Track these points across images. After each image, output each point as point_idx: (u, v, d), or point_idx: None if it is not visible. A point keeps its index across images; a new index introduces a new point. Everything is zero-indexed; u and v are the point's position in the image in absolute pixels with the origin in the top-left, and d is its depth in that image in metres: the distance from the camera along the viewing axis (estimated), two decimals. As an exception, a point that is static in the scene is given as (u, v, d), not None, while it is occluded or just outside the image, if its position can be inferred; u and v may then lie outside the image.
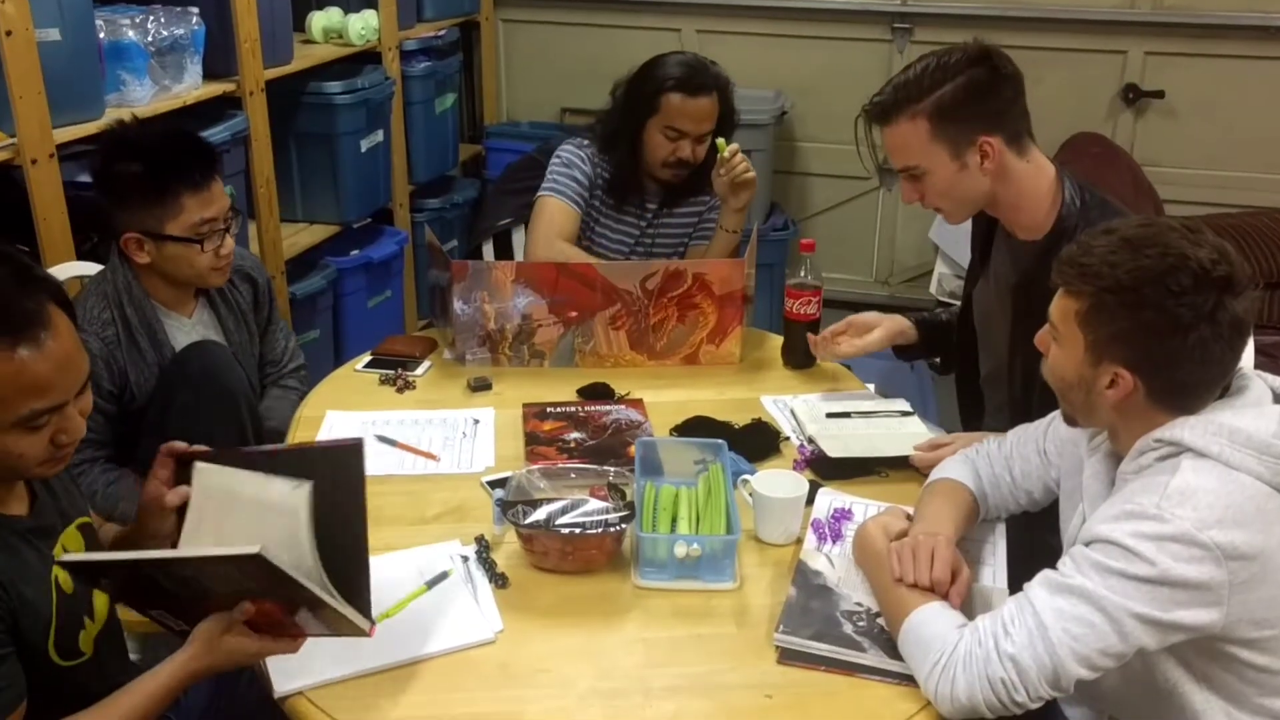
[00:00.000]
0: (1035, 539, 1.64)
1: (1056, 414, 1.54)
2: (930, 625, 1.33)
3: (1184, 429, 1.29)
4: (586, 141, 2.49)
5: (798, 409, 2.02)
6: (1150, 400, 1.32)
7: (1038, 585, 1.30)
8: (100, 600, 1.39)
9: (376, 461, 1.83)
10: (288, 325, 2.27)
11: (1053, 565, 1.33)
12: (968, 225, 2.06)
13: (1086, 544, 1.29)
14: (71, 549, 1.36)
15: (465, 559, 1.59)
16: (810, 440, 1.89)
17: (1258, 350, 2.28)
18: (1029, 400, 1.82)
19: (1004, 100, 1.75)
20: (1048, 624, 1.25)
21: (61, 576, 1.33)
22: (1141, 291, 1.26)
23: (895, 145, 1.81)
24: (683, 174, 2.43)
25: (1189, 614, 1.24)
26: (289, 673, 1.35)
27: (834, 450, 1.83)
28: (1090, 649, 1.24)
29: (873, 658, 1.38)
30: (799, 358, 2.22)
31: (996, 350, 1.97)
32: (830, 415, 1.97)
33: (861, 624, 1.44)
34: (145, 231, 1.84)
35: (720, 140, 2.35)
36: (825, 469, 1.82)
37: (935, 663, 1.29)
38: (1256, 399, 1.33)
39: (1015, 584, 1.52)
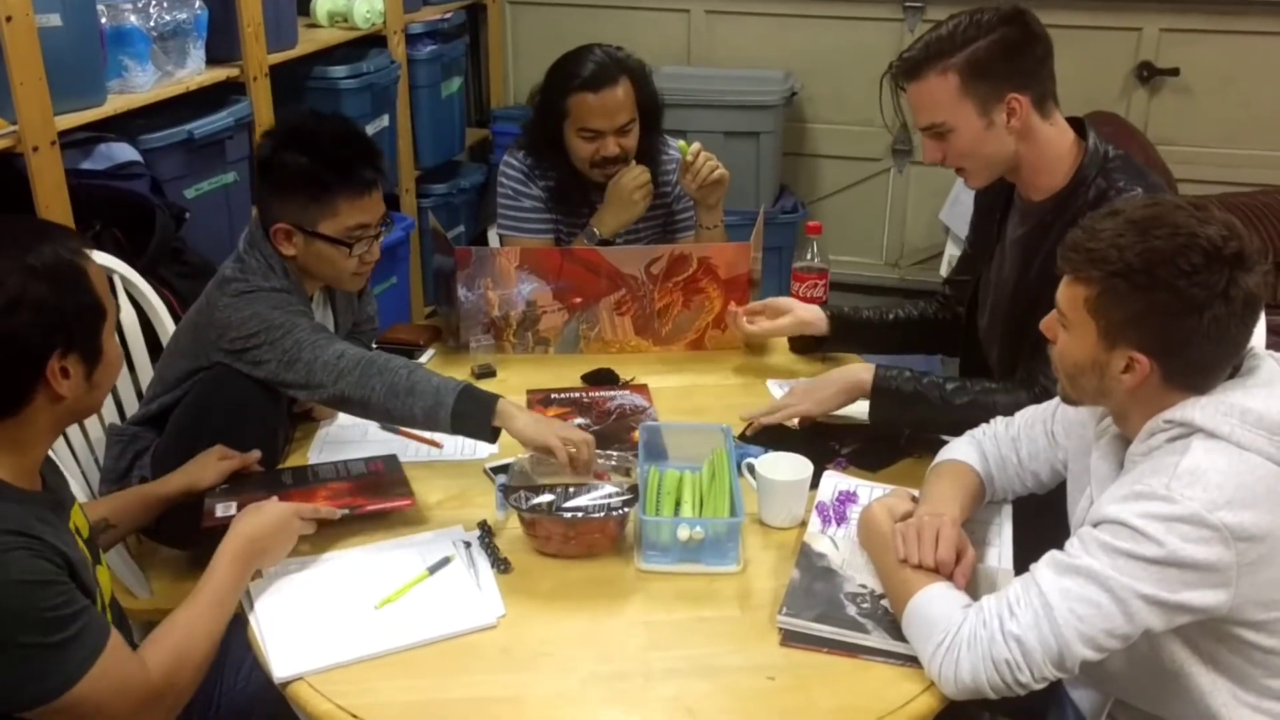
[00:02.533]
0: (1042, 521, 1.63)
1: (1074, 413, 1.53)
2: (934, 606, 1.32)
3: (1194, 409, 1.27)
4: (520, 152, 2.38)
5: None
6: (1165, 382, 1.30)
7: (1044, 566, 1.29)
8: (103, 576, 1.42)
9: (380, 449, 1.82)
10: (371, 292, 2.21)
11: (1060, 545, 1.32)
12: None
13: (1094, 525, 1.27)
14: (79, 524, 1.40)
15: (467, 545, 1.58)
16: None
17: (1269, 330, 2.25)
18: (1012, 361, 1.82)
19: (1035, 59, 1.74)
20: (1053, 604, 1.24)
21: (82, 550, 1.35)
22: (1153, 273, 1.24)
23: (923, 101, 1.78)
24: (617, 171, 2.31)
25: (1196, 595, 1.22)
26: (288, 658, 1.36)
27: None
28: (1096, 629, 1.23)
29: (876, 639, 1.37)
30: (805, 342, 2.21)
31: (996, 316, 1.94)
32: None
33: (865, 606, 1.43)
34: (298, 225, 1.80)
35: (681, 143, 2.29)
36: (864, 460, 1.80)
37: (939, 643, 1.28)
38: (1268, 379, 1.31)
39: (1021, 565, 1.51)
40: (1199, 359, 1.28)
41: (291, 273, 1.83)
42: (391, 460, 1.77)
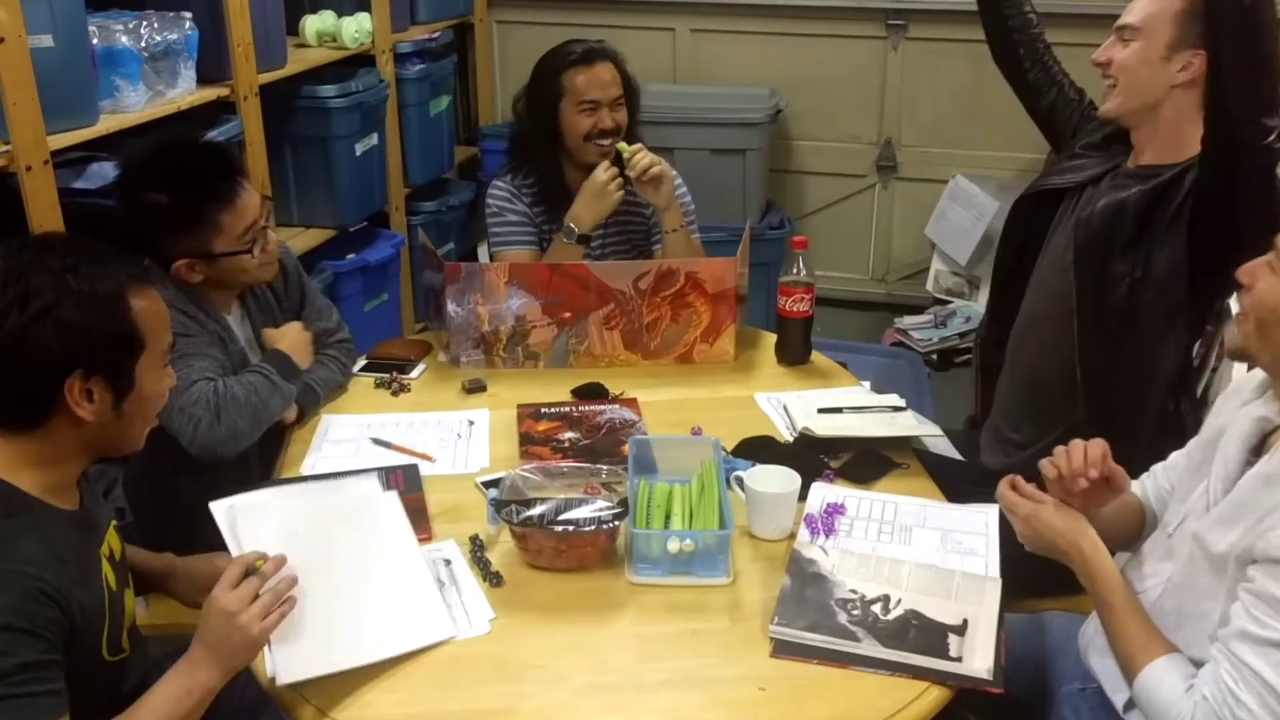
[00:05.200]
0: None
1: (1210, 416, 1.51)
2: (1160, 690, 1.30)
3: None
4: (507, 175, 2.46)
5: (791, 405, 2.03)
6: None
7: (1245, 647, 1.24)
8: (129, 600, 1.43)
9: (373, 463, 1.83)
10: (327, 301, 2.24)
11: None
12: (963, 221, 2.08)
13: (1265, 561, 1.22)
14: (114, 545, 1.41)
15: (448, 562, 1.59)
16: (806, 430, 1.90)
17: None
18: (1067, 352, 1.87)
19: None
20: (1272, 682, 1.21)
21: (109, 575, 1.36)
22: None
23: (1144, 3, 1.89)
24: (612, 147, 2.38)
25: None
26: (281, 664, 1.35)
27: (822, 431, 1.86)
28: None
29: (866, 647, 1.39)
30: (793, 355, 2.23)
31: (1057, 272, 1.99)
32: (822, 410, 1.98)
33: (855, 613, 1.45)
34: (196, 255, 1.83)
35: (621, 144, 2.35)
36: (854, 472, 1.81)
37: None
38: None
39: (1017, 570, 1.53)
40: None
41: (197, 299, 1.88)
42: (412, 473, 1.79)
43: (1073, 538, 1.44)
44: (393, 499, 1.56)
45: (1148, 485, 1.62)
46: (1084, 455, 1.44)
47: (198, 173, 1.84)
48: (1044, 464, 1.49)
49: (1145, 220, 1.88)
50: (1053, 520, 1.46)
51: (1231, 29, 1.73)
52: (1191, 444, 1.54)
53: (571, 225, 2.35)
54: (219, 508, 1.40)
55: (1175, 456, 1.60)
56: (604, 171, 2.33)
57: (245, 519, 1.41)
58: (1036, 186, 2.15)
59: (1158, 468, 1.63)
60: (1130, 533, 1.58)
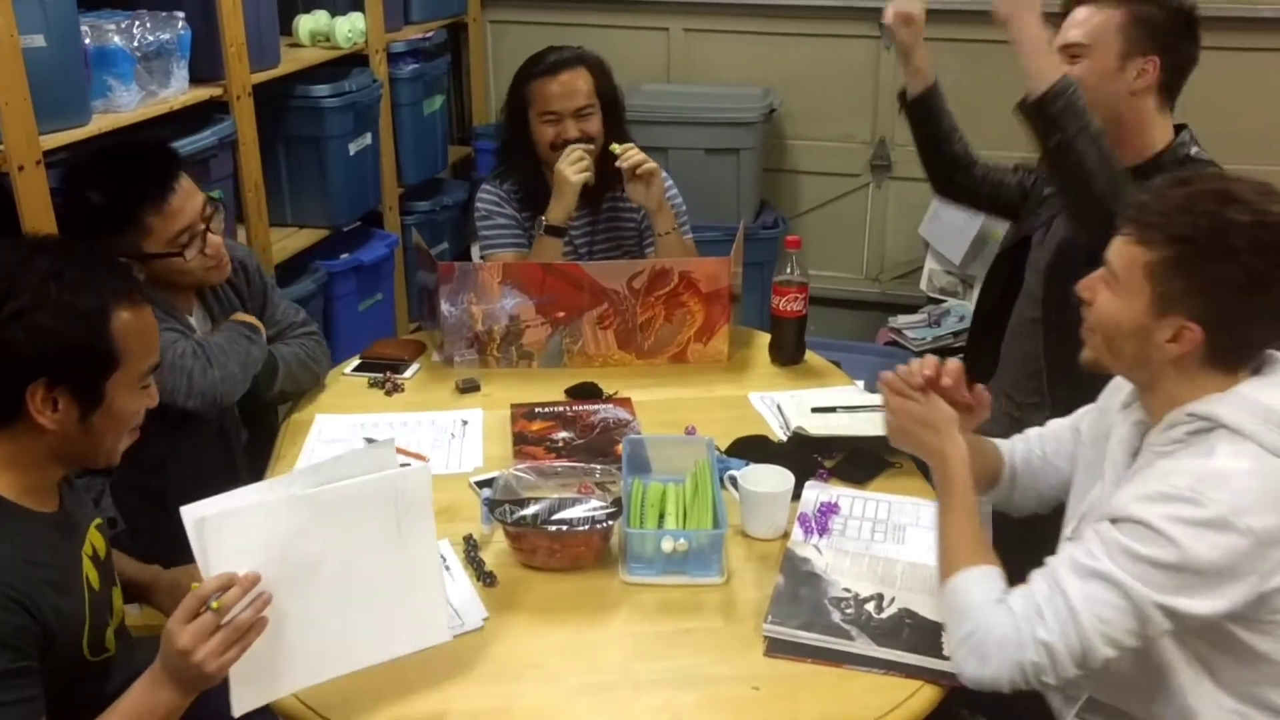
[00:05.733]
0: (1025, 525, 1.66)
1: (1101, 400, 1.54)
2: (971, 594, 1.31)
3: (1220, 404, 1.27)
4: (495, 179, 2.48)
5: (784, 404, 2.03)
6: (1208, 357, 1.29)
7: (1066, 568, 1.28)
8: (117, 598, 1.42)
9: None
10: (293, 303, 2.24)
11: (1046, 551, 1.33)
12: (956, 220, 2.10)
13: (1113, 520, 1.27)
14: (96, 545, 1.40)
15: (443, 561, 1.57)
16: (796, 430, 1.90)
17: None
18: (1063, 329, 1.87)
19: (1183, 56, 1.92)
20: (1079, 609, 1.24)
21: (91, 575, 1.35)
22: (1227, 244, 1.24)
23: (1082, 19, 1.93)
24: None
25: (1212, 601, 1.23)
26: (250, 683, 1.27)
27: (815, 430, 1.87)
28: (1118, 631, 1.24)
29: (860, 645, 1.40)
30: (787, 354, 2.23)
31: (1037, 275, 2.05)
32: (816, 410, 1.98)
33: (849, 611, 1.45)
34: (128, 255, 1.83)
35: (614, 145, 2.35)
36: (847, 472, 1.82)
37: (969, 634, 1.28)
38: None
39: (1010, 573, 1.53)
40: (1252, 337, 1.29)
41: (154, 298, 1.85)
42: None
43: (932, 439, 1.45)
44: (421, 474, 1.36)
45: (1017, 446, 1.65)
46: (921, 365, 1.46)
47: (131, 175, 1.85)
48: (883, 375, 1.51)
49: None
50: (923, 415, 1.45)
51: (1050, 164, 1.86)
52: (1084, 427, 1.57)
53: (542, 219, 2.35)
54: (190, 517, 1.22)
55: (1056, 426, 1.64)
56: (565, 161, 2.32)
57: (216, 533, 1.22)
58: (1009, 242, 2.22)
59: (1032, 432, 1.67)
60: (979, 477, 1.58)
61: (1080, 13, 1.94)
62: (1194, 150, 1.93)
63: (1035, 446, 1.64)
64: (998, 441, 1.65)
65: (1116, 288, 1.33)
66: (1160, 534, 1.22)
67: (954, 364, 1.47)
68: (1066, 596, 1.26)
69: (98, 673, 1.37)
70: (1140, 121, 1.93)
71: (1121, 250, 1.33)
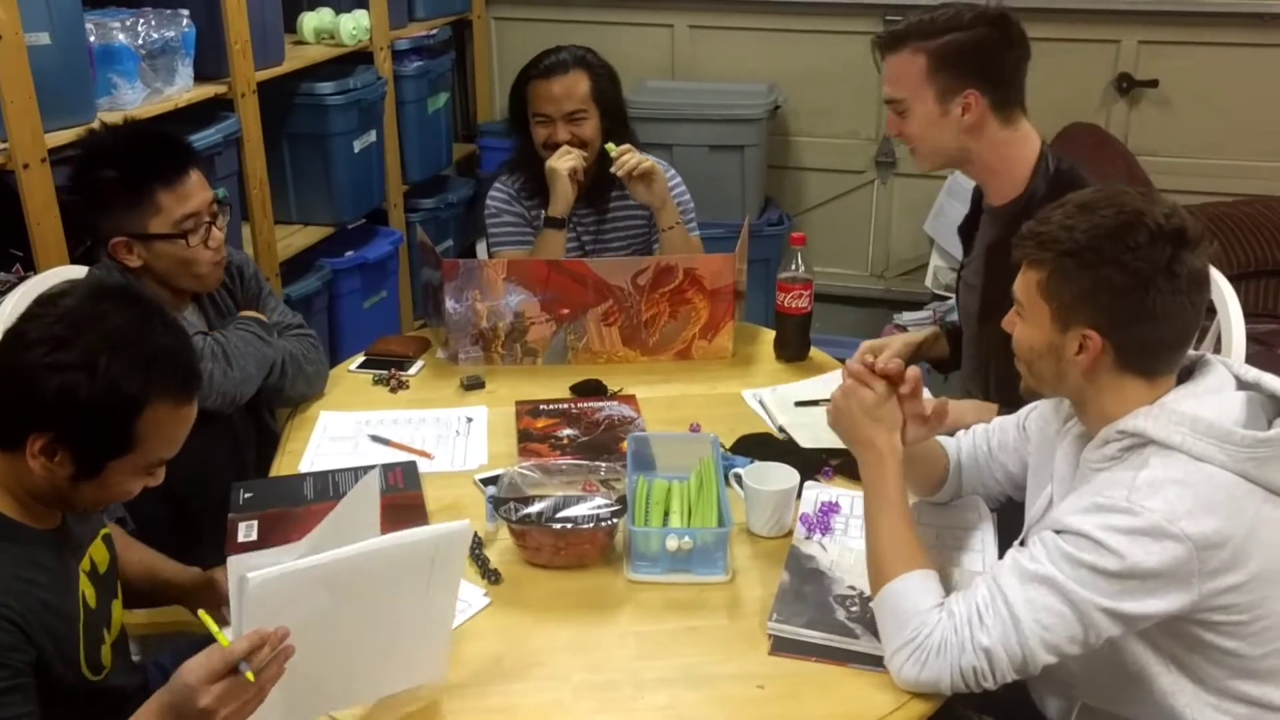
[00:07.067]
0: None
1: (1042, 406, 1.55)
2: (910, 599, 1.33)
3: (1146, 419, 1.30)
4: (504, 176, 2.51)
5: (767, 399, 2.02)
6: (1119, 363, 1.32)
7: (1009, 573, 1.30)
8: (117, 611, 1.41)
9: (371, 460, 1.83)
10: (289, 309, 2.23)
11: None
12: (961, 216, 2.07)
13: (1056, 531, 1.29)
14: (97, 559, 1.39)
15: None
16: (782, 430, 1.89)
17: (1253, 339, 2.28)
18: (987, 371, 1.85)
19: (1005, 66, 1.81)
20: (1020, 615, 1.26)
21: (87, 592, 1.34)
22: (1099, 248, 1.28)
23: (891, 74, 1.86)
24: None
25: (1157, 602, 1.25)
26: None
27: (805, 441, 1.84)
28: (1059, 638, 1.26)
29: (865, 644, 1.39)
30: (791, 351, 2.23)
31: (970, 326, 1.99)
32: (799, 404, 1.97)
33: (854, 609, 1.45)
34: (131, 234, 1.84)
35: (609, 145, 2.35)
36: (852, 470, 1.80)
37: (908, 641, 1.30)
38: (1218, 385, 1.33)
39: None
40: (1148, 336, 1.30)
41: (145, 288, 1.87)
42: (410, 470, 1.79)
43: (872, 432, 1.46)
44: (462, 534, 1.31)
45: (962, 443, 1.66)
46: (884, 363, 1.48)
47: (148, 153, 1.86)
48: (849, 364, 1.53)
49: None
50: (873, 406, 1.46)
51: None
52: (1031, 426, 1.57)
53: (541, 212, 2.36)
54: (234, 571, 1.17)
55: (1003, 423, 1.64)
56: (556, 159, 2.34)
57: (259, 591, 1.15)
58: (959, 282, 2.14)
59: (978, 428, 1.67)
60: (924, 477, 1.62)
61: (889, 65, 1.84)
62: (1060, 164, 1.83)
63: (981, 441, 1.65)
64: (942, 439, 1.65)
65: (1025, 314, 1.38)
66: (1100, 544, 1.24)
67: (913, 371, 1.48)
68: (1008, 601, 1.27)
69: (95, 692, 1.35)
70: (994, 153, 1.83)
71: (1020, 279, 1.38)
